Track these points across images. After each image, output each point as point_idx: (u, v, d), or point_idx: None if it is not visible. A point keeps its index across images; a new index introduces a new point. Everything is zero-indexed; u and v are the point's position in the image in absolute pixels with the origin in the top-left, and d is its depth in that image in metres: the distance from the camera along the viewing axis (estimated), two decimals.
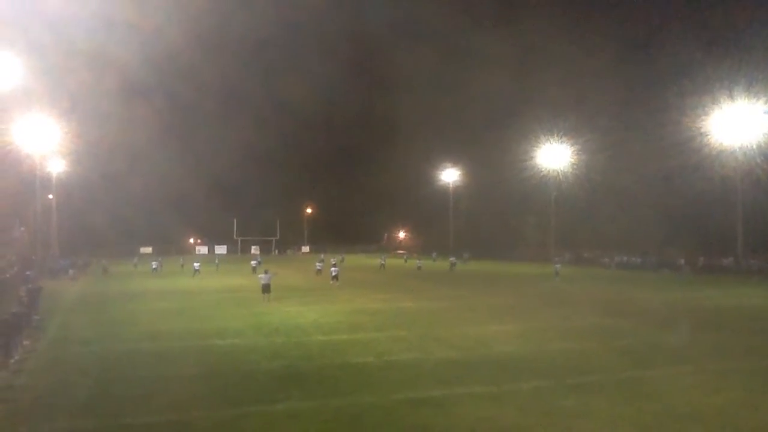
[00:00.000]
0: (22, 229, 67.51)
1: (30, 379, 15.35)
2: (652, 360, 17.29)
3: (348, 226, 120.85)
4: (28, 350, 18.59)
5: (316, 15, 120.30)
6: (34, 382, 14.99)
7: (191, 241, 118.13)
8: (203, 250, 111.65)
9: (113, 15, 65.20)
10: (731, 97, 54.07)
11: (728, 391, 13.83)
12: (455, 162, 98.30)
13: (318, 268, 52.22)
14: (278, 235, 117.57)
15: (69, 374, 15.75)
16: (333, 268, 43.32)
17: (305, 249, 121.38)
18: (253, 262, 58.95)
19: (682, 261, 55.52)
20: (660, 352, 18.44)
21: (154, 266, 56.54)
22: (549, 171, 77.51)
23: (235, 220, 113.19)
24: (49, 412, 12.46)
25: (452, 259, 64.47)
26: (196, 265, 53.05)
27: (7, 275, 34.93)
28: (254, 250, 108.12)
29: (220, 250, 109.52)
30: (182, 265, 62.84)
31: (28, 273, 41.20)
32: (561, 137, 74.69)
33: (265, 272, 33.18)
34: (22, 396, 13.72)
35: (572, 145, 74.42)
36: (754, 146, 54.63)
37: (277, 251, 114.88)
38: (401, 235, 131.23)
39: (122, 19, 67.70)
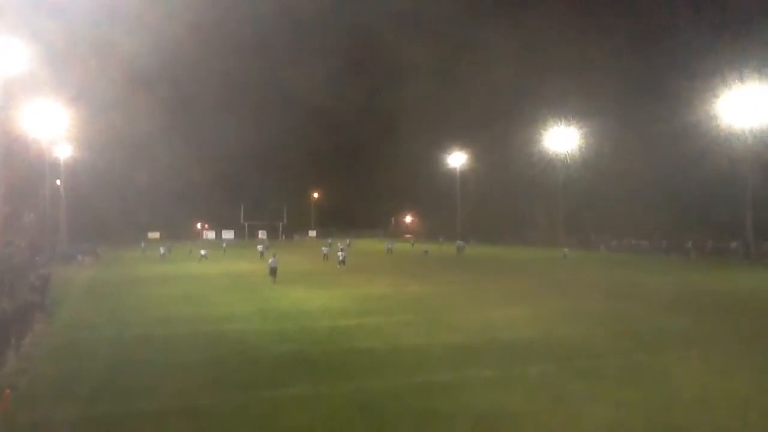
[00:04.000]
0: (32, 215, 67.94)
1: (41, 364, 15.47)
2: (660, 344, 17.31)
3: (355, 211, 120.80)
4: (40, 335, 18.74)
5: (321, 3, 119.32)
6: (45, 368, 15.12)
7: (198, 226, 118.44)
8: (210, 235, 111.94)
9: (120, 4, 65.02)
10: (741, 79, 53.56)
11: (736, 375, 13.85)
12: (463, 146, 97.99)
13: (325, 252, 52.30)
14: (285, 220, 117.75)
15: (79, 360, 15.88)
16: (340, 253, 43.42)
17: (312, 234, 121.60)
18: (259, 247, 59.05)
19: (690, 245, 55.35)
20: (668, 336, 18.44)
21: (162, 252, 56.74)
22: (557, 155, 77.26)
23: (242, 205, 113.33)
24: (59, 398, 12.56)
25: (459, 242, 64.35)
26: (202, 252, 53.31)
27: (18, 261, 35.22)
28: (261, 235, 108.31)
29: (228, 235, 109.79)
30: (190, 251, 63.09)
31: (37, 259, 41.49)
32: (569, 121, 74.39)
33: (273, 256, 33.92)
34: (33, 381, 13.84)
35: (580, 128, 74.09)
36: (765, 129, 54.18)
37: (284, 236, 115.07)
38: (408, 219, 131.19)
39: (129, 9, 67.54)
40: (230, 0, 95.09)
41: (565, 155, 76.35)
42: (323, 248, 54.41)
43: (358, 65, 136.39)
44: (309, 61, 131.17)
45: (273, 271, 32.68)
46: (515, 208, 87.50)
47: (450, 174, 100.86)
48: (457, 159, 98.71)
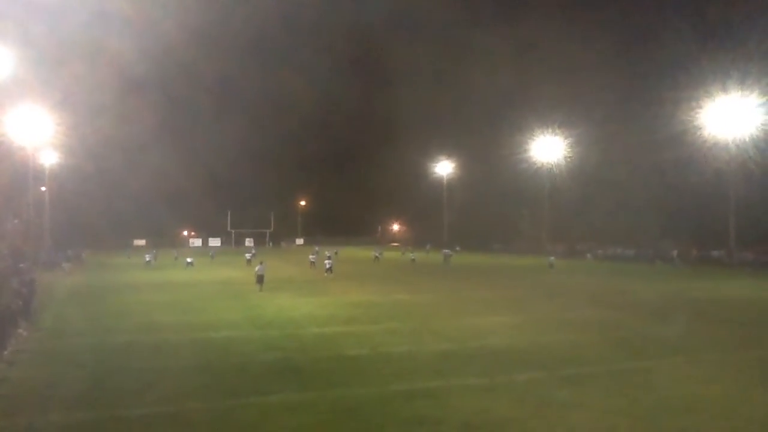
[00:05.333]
0: (15, 221, 67.21)
1: (25, 371, 15.31)
2: (646, 351, 17.40)
3: (342, 219, 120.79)
4: (23, 342, 18.54)
5: (312, 10, 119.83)
6: (30, 374, 14.96)
7: (185, 233, 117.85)
8: (197, 242, 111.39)
9: (108, 7, 64.82)
10: (725, 90, 54.23)
11: (722, 382, 13.93)
12: (449, 155, 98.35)
13: (312, 260, 52.18)
14: (272, 227, 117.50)
15: (64, 366, 15.73)
16: (327, 261, 43.35)
17: (299, 241, 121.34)
18: (247, 255, 58.85)
19: (675, 253, 55.78)
20: (654, 344, 18.55)
21: (147, 259, 56.37)
22: (543, 164, 77.69)
23: (229, 213, 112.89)
24: (44, 405, 12.43)
25: (446, 251, 64.43)
26: (188, 260, 52.89)
27: (1, 267, 34.76)
28: (248, 242, 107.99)
29: (214, 242, 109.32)
30: (176, 258, 62.78)
31: (21, 265, 41.03)
32: (555, 130, 74.88)
33: (261, 263, 33.81)
34: (17, 388, 13.69)
35: (566, 137, 74.60)
36: (747, 139, 54.85)
37: (271, 244, 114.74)
38: (395, 227, 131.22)
39: (117, 12, 67.33)
40: (221, 4, 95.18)
41: (552, 164, 76.82)
42: (310, 256, 54.31)
43: (347, 74, 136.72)
44: (297, 69, 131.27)
45: (260, 279, 32.62)
46: (502, 216, 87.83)
47: (437, 182, 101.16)
48: (443, 167, 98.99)
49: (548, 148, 76.23)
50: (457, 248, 78.52)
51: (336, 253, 69.58)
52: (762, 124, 53.54)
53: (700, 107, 56.40)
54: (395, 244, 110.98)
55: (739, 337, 19.86)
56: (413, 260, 60.64)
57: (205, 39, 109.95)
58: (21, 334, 19.24)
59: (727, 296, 32.02)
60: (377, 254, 64.48)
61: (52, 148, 71.51)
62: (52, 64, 62.67)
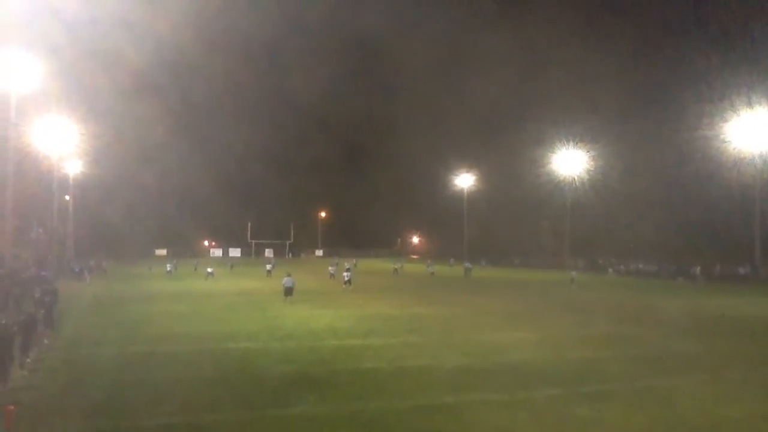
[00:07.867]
0: (40, 230, 68.21)
1: (47, 379, 15.44)
2: (668, 368, 17.12)
3: (362, 231, 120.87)
4: (45, 350, 18.72)
5: (329, 17, 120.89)
6: (51, 382, 15.08)
7: (206, 243, 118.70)
8: (217, 252, 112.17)
9: (128, 17, 65.80)
10: (749, 103, 53.58)
11: (746, 402, 13.65)
12: (470, 167, 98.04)
13: (331, 272, 52.18)
14: (292, 238, 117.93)
15: (85, 375, 15.84)
16: (346, 273, 43.25)
17: (319, 253, 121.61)
18: (267, 266, 58.98)
19: (698, 269, 55.01)
20: (676, 361, 18.23)
21: (168, 269, 56.80)
22: (564, 177, 77.19)
23: (249, 223, 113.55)
24: (64, 413, 12.51)
25: (467, 264, 64.17)
26: (209, 270, 53.11)
27: (25, 275, 35.27)
28: (268, 252, 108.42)
29: (234, 252, 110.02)
30: (195, 268, 63.14)
31: (44, 273, 41.56)
32: (576, 143, 74.46)
33: (288, 275, 33.58)
34: (38, 396, 13.79)
35: (588, 151, 74.13)
36: None
37: (290, 255, 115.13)
38: (415, 240, 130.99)
39: (137, 21, 68.30)
40: (241, 12, 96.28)
41: (573, 177, 76.32)
42: (330, 267, 54.28)
43: (368, 84, 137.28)
44: (319, 81, 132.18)
45: (288, 291, 32.53)
46: (523, 230, 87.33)
47: (457, 194, 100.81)
48: (464, 180, 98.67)
49: (570, 161, 75.78)
50: (483, 263, 77.95)
51: (355, 264, 69.58)
52: None
53: (725, 121, 55.80)
54: (415, 256, 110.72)
55: (763, 355, 19.48)
56: (432, 273, 60.44)
57: (225, 47, 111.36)
58: (43, 342, 19.42)
59: (751, 313, 31.46)
60: (397, 267, 64.33)
61: (77, 157, 72.47)
62: (77, 74, 63.68)
